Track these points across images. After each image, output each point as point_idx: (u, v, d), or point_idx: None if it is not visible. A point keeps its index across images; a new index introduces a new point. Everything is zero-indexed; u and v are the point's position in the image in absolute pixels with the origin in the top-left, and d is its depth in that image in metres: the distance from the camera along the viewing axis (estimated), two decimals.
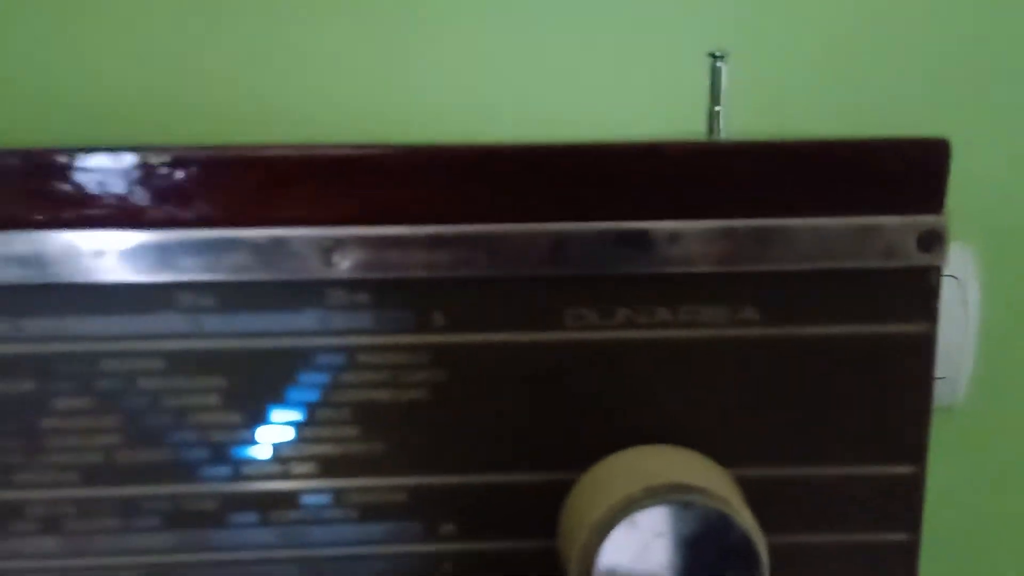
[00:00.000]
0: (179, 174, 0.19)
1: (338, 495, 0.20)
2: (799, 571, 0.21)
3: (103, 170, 0.19)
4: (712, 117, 0.29)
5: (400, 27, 0.42)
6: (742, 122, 0.32)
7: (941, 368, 0.47)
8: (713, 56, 0.29)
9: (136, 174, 0.19)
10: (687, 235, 0.19)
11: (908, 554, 0.21)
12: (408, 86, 0.42)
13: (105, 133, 0.42)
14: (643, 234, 0.19)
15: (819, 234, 0.19)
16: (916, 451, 0.20)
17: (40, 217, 0.19)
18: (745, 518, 0.18)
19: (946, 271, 0.52)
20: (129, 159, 0.19)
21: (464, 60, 0.42)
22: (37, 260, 0.19)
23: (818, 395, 0.20)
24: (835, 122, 0.43)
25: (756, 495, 0.20)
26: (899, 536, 0.21)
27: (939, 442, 0.48)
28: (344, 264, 0.19)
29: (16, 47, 0.41)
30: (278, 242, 0.19)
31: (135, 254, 0.19)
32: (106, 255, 0.19)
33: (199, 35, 0.42)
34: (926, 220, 0.19)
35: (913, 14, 0.42)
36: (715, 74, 0.29)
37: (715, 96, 0.29)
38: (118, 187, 0.19)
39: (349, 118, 0.43)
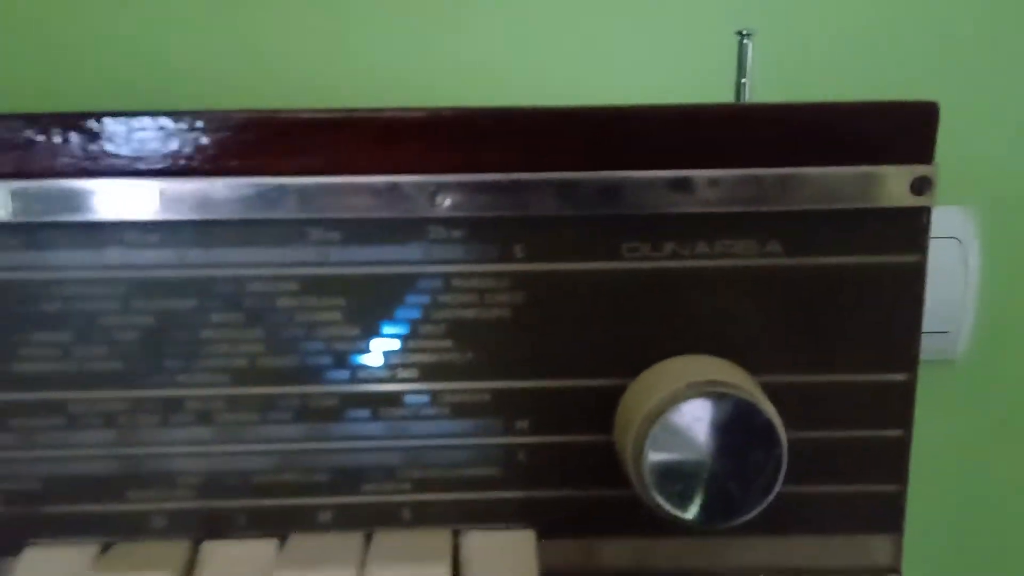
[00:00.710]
0: (313, 132, 0.23)
1: (434, 396, 0.25)
2: (810, 461, 0.25)
3: (254, 129, 0.23)
4: (739, 88, 0.34)
5: (439, 7, 0.46)
6: (764, 95, 0.36)
7: (943, 324, 0.51)
8: (740, 34, 0.33)
9: (278, 132, 0.23)
10: (723, 181, 0.23)
11: (901, 448, 0.25)
12: (445, 60, 0.47)
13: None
14: (686, 180, 0.23)
15: (830, 180, 0.23)
16: (909, 361, 0.24)
17: (205, 167, 0.23)
18: (768, 408, 0.23)
19: (948, 233, 0.55)
20: (275, 119, 0.23)
21: (500, 38, 0.47)
22: (202, 201, 0.23)
23: (830, 314, 0.24)
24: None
25: (775, 398, 0.24)
26: (895, 432, 0.25)
27: (941, 393, 0.52)
28: (445, 204, 0.23)
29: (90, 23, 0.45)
30: (392, 186, 0.23)
31: (277, 197, 0.23)
32: (254, 198, 0.23)
33: (249, 8, 0.46)
34: (918, 169, 0.23)
35: None
36: (742, 50, 0.33)
37: (742, 69, 0.34)
38: (265, 144, 0.23)
39: (393, 87, 0.47)
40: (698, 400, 0.23)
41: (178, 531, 0.25)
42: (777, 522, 0.25)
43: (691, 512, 0.23)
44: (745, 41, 0.33)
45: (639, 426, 0.23)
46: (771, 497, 0.22)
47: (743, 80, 0.34)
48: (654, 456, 0.23)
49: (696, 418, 0.23)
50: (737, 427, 0.22)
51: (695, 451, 0.23)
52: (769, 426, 0.23)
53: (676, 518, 0.23)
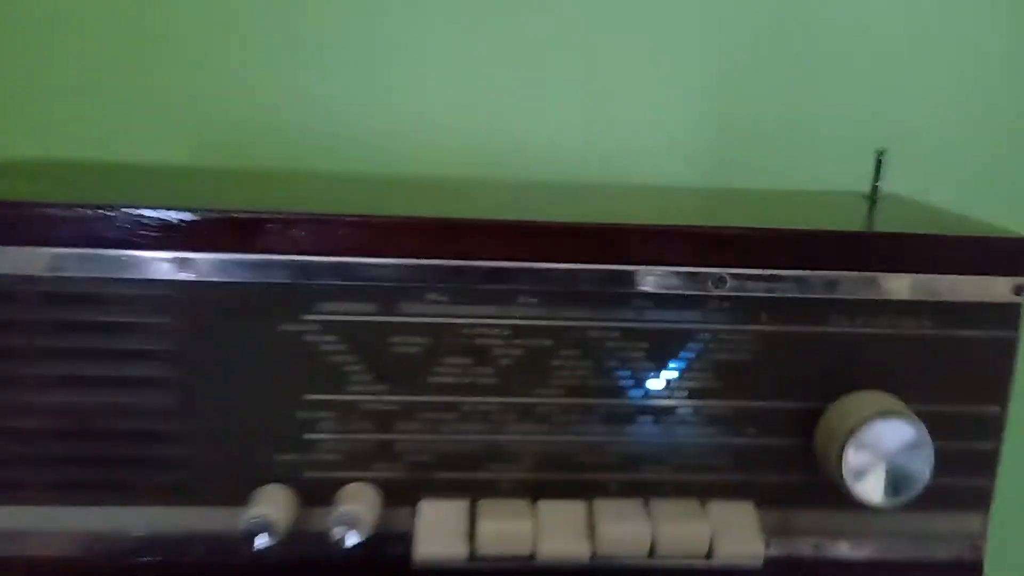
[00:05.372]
0: (653, 240, 0.41)
1: (695, 409, 0.43)
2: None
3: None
4: (874, 191, 0.52)
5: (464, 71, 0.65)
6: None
7: None
8: (878, 152, 0.52)
9: (628, 239, 0.41)
10: (897, 281, 0.42)
11: (993, 460, 0.44)
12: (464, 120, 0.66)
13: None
14: (874, 279, 0.42)
15: (962, 283, 0.42)
16: (1001, 395, 0.43)
17: (559, 259, 0.41)
18: (923, 427, 0.41)
19: None
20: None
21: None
22: (567, 278, 0.41)
23: (957, 366, 0.43)
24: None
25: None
26: (989, 446, 0.44)
27: None
28: (721, 287, 0.41)
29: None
30: (693, 274, 0.41)
31: (618, 278, 0.41)
32: (601, 279, 0.41)
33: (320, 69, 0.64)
34: (1019, 279, 0.42)
35: None
36: (879, 163, 0.52)
37: (877, 177, 0.52)
38: (614, 249, 0.41)
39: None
40: (879, 421, 0.41)
41: (518, 494, 0.43)
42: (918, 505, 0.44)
43: (874, 495, 0.41)
44: (881, 158, 0.52)
45: (841, 436, 0.41)
46: (924, 486, 0.41)
47: (877, 184, 0.53)
48: (850, 457, 0.41)
49: (879, 432, 0.41)
50: (905, 439, 0.41)
51: (878, 454, 0.41)
52: (926, 439, 0.41)
53: (862, 499, 0.41)
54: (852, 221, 0.47)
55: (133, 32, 0.63)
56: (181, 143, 0.64)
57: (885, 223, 0.48)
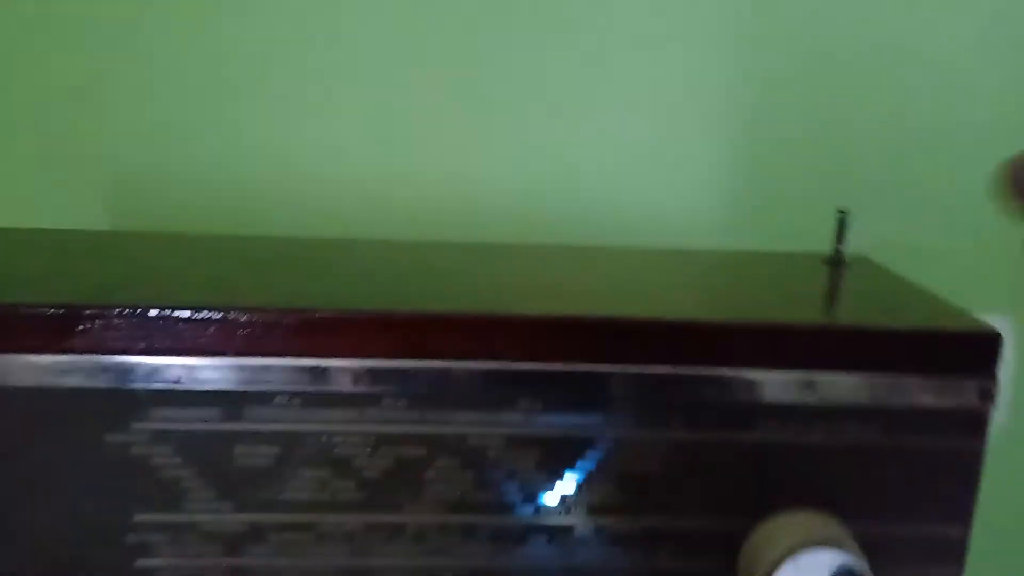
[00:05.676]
0: (550, 332, 0.35)
1: (596, 528, 0.37)
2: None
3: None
4: (837, 254, 0.46)
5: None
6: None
7: None
8: (840, 211, 0.46)
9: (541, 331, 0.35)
10: (841, 383, 0.36)
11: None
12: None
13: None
14: (812, 383, 0.36)
15: (920, 386, 0.36)
16: (964, 514, 0.37)
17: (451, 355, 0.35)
18: (860, 559, 0.35)
19: None
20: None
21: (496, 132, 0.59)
22: (440, 376, 0.35)
23: (912, 480, 0.37)
24: None
25: (865, 544, 0.37)
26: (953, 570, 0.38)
27: None
28: (620, 391, 0.35)
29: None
30: (588, 374, 0.35)
31: (501, 379, 0.35)
32: (482, 379, 0.35)
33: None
34: (984, 382, 0.36)
35: None
36: (841, 224, 0.46)
37: (840, 240, 0.46)
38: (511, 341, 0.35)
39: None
40: (809, 551, 0.35)
41: None
42: None
43: None
44: (845, 218, 0.46)
45: (765, 567, 0.35)
46: None
47: (839, 247, 0.46)
48: None
49: (808, 565, 0.35)
50: (839, 573, 0.35)
51: None
52: (866, 573, 0.35)
53: None
54: (793, 303, 0.41)
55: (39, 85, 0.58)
56: (84, 204, 0.59)
57: (830, 307, 0.41)
